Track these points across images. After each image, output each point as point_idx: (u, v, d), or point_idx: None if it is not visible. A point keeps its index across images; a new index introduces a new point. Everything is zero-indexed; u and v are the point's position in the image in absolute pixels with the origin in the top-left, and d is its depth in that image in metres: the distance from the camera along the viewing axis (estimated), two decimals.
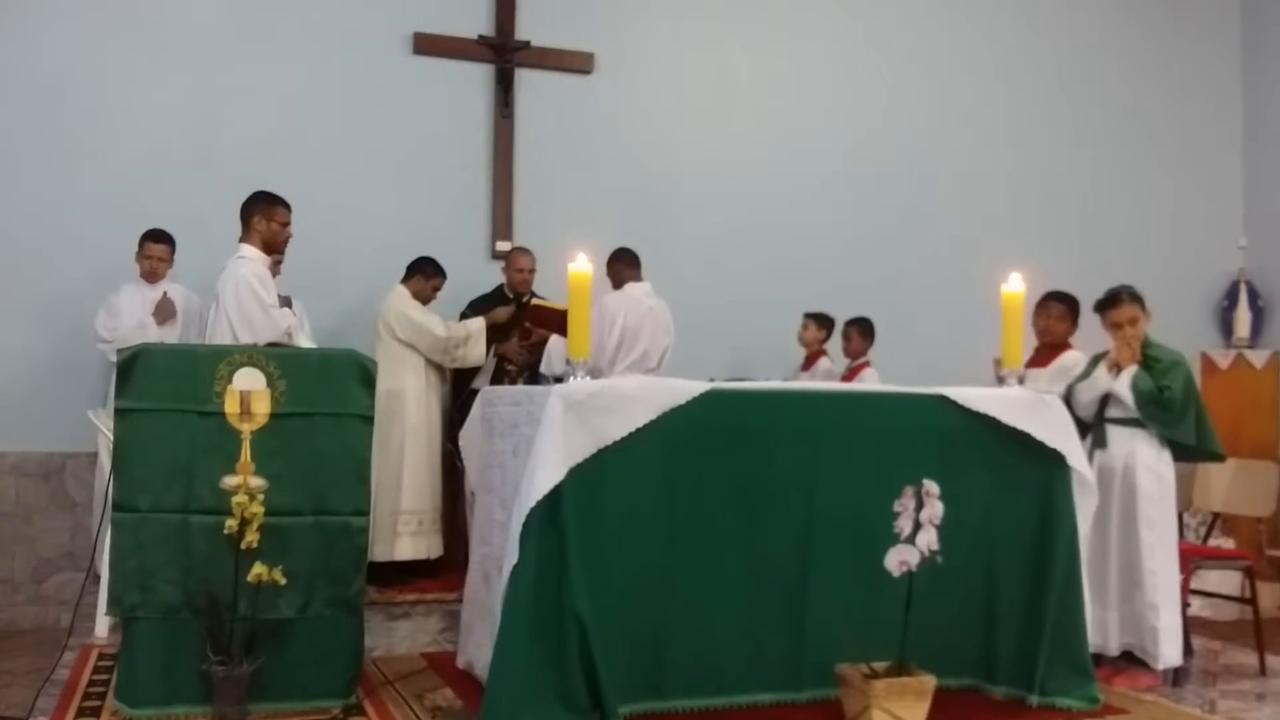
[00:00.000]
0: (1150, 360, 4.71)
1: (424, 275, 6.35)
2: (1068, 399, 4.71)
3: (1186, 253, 8.32)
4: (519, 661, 3.59)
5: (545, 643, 3.62)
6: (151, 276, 6.06)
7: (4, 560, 6.28)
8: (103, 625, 5.01)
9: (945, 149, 8.05)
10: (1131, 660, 4.64)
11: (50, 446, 6.34)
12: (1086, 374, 4.88)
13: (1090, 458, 4.63)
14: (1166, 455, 4.72)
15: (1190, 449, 4.76)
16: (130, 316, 5.94)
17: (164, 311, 5.93)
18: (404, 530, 6.13)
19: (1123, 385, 4.70)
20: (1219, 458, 4.91)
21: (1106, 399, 4.77)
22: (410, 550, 6.13)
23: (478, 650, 4.19)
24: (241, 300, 4.66)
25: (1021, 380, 4.55)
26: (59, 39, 6.46)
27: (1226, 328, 8.51)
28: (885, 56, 8.05)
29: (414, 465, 6.19)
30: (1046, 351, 5.21)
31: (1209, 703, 4.40)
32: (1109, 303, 4.85)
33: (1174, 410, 4.63)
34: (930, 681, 3.69)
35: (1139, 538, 4.63)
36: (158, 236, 6.06)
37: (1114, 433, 4.77)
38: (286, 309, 4.95)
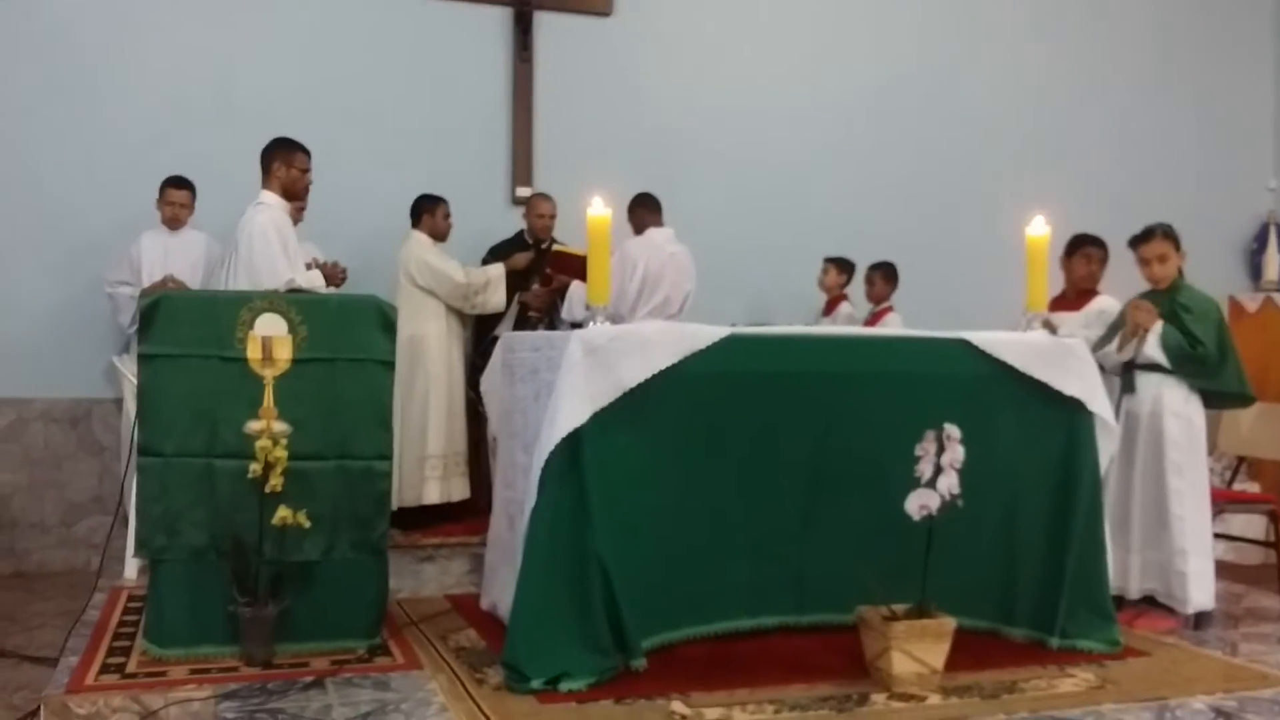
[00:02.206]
0: (1180, 308, 4.65)
1: (429, 212, 6.35)
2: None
3: (1215, 195, 8.21)
4: (541, 603, 3.62)
5: (567, 584, 3.65)
6: (173, 223, 6.07)
7: (34, 504, 6.37)
8: (131, 567, 5.08)
9: (970, 91, 7.95)
10: (1153, 604, 4.64)
11: (77, 392, 6.41)
12: (1116, 327, 4.80)
13: (1119, 403, 4.60)
14: (1195, 400, 4.67)
15: (1223, 394, 4.72)
16: (149, 267, 5.95)
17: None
18: (431, 475, 6.19)
19: (1153, 350, 4.62)
20: (1248, 401, 4.85)
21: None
22: (438, 494, 6.19)
23: (501, 592, 4.22)
24: (254, 247, 4.66)
25: (1047, 324, 4.51)
26: None
27: (1255, 271, 8.43)
28: None
29: (438, 410, 6.23)
30: (1075, 296, 5.15)
31: (1230, 646, 4.39)
32: (1143, 238, 4.78)
33: (1210, 364, 4.58)
34: (950, 624, 3.69)
35: (1166, 484, 4.59)
36: (178, 183, 6.07)
37: (1142, 378, 4.72)
38: (308, 270, 4.93)
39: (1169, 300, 4.70)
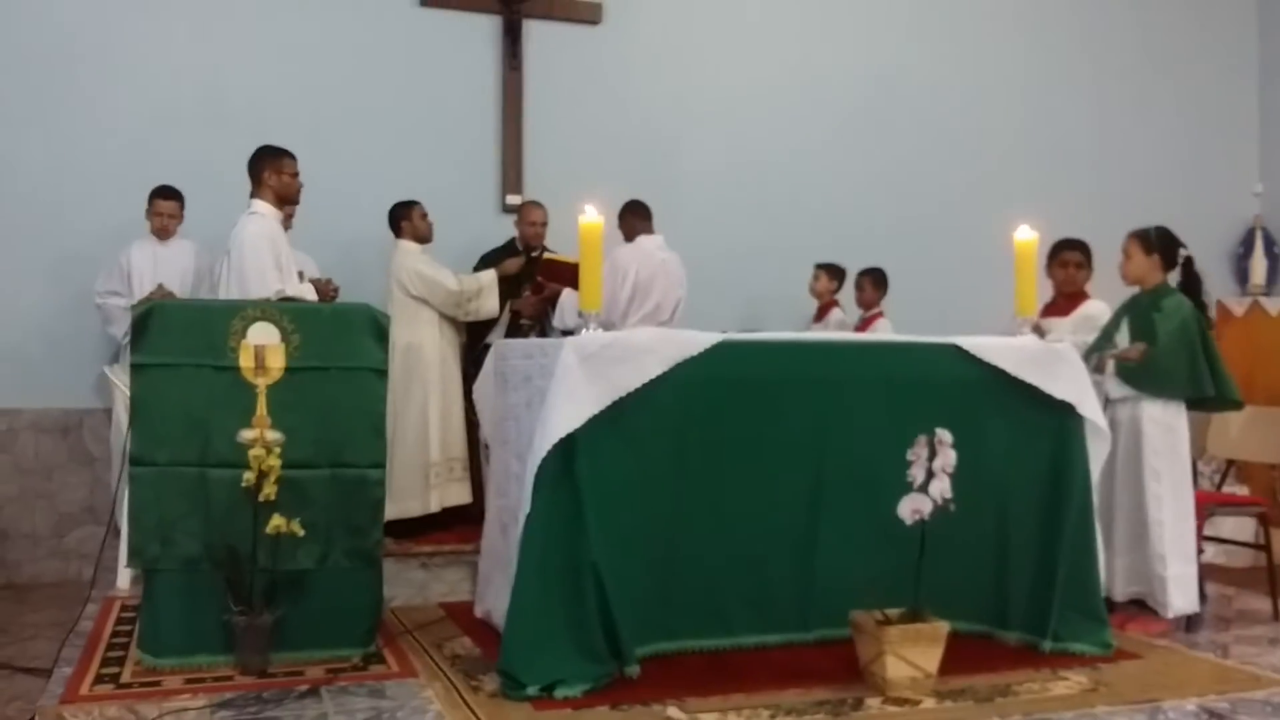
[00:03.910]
0: (1154, 309, 4.70)
1: (406, 217, 6.33)
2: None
3: (1202, 199, 8.24)
4: (535, 609, 3.63)
5: (561, 591, 3.66)
6: (162, 233, 6.08)
7: (26, 516, 6.35)
8: (124, 577, 5.07)
9: (958, 95, 7.98)
10: (1144, 607, 4.66)
11: (67, 403, 6.38)
12: (1108, 333, 4.83)
13: (1104, 407, 4.62)
14: (1176, 406, 4.70)
15: (1205, 400, 4.75)
16: (139, 277, 5.96)
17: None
18: (436, 482, 6.17)
19: (1115, 388, 4.69)
20: (1236, 405, 4.87)
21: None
22: (440, 501, 6.17)
23: (496, 600, 4.23)
24: (245, 257, 4.66)
25: (1037, 329, 4.54)
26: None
27: (1242, 275, 8.47)
28: (903, 2, 7.96)
29: (438, 417, 6.21)
30: (1064, 300, 5.18)
31: (1222, 648, 4.42)
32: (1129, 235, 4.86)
33: (1163, 363, 4.60)
34: (943, 628, 3.72)
35: (1145, 489, 4.63)
36: (167, 193, 6.06)
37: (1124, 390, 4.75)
38: (298, 281, 4.93)
39: (1150, 302, 4.75)
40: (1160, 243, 4.83)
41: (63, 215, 6.35)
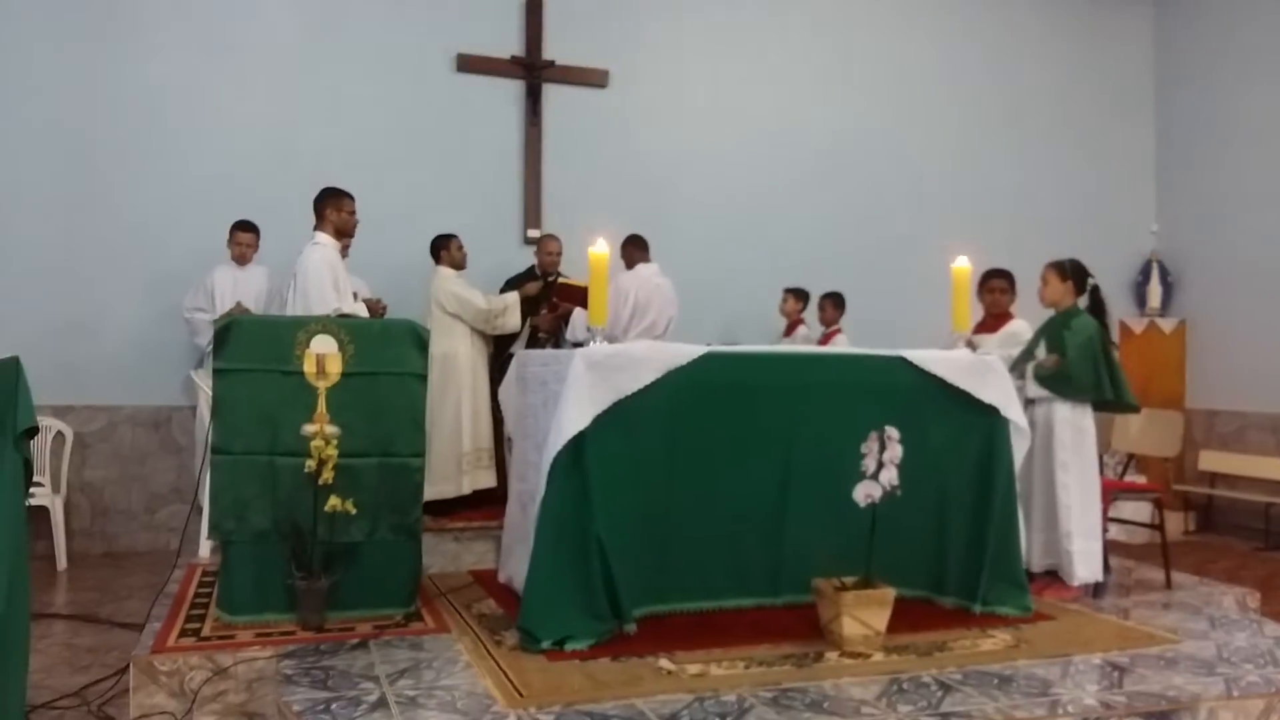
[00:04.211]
0: (1065, 328, 4.68)
1: (445, 248, 6.31)
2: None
3: (1108, 235, 8.28)
4: (549, 577, 3.61)
5: (571, 562, 3.64)
6: (241, 260, 6.07)
7: (123, 495, 6.34)
8: (205, 548, 5.05)
9: (906, 148, 8.01)
10: (1057, 576, 4.65)
11: (159, 400, 6.40)
12: (1029, 350, 4.82)
13: (1025, 408, 4.60)
14: (1083, 408, 4.67)
15: (1108, 403, 4.74)
16: (221, 296, 5.96)
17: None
18: (467, 468, 6.14)
19: (1033, 389, 4.69)
20: (1133, 408, 4.86)
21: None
22: (470, 484, 6.15)
23: (516, 568, 4.21)
24: (308, 280, 4.65)
25: (969, 344, 4.53)
26: (163, 59, 6.48)
27: (1141, 299, 8.49)
28: (856, 66, 7.99)
29: (469, 415, 6.18)
30: (993, 320, 5.17)
31: (1123, 611, 4.40)
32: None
33: (1070, 373, 4.59)
34: (890, 593, 3.69)
35: (1055, 478, 4.61)
36: (245, 226, 6.06)
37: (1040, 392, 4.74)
38: (352, 300, 4.91)
39: (1062, 321, 4.75)
40: (1073, 272, 4.81)
41: (157, 242, 6.36)
